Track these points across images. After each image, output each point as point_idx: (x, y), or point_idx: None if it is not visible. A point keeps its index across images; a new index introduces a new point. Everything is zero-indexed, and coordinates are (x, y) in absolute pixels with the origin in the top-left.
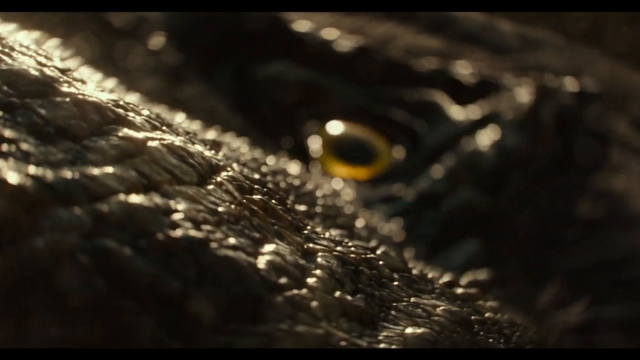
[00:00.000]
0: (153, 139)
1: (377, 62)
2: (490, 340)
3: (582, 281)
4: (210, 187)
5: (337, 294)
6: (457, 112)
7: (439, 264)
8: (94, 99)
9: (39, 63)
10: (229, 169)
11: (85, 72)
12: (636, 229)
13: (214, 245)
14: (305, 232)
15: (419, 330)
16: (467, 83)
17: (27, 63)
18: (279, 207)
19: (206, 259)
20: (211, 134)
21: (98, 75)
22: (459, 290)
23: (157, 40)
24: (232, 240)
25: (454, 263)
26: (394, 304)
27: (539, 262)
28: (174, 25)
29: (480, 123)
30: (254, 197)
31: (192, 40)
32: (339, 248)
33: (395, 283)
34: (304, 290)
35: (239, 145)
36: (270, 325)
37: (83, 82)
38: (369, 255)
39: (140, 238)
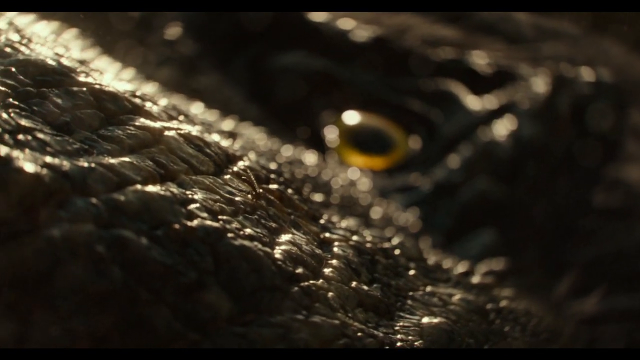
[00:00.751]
0: (170, 128)
1: (393, 52)
2: (506, 329)
3: (598, 271)
4: (227, 176)
5: (354, 284)
6: (474, 102)
7: (455, 253)
8: (110, 89)
9: (56, 53)
10: (245, 158)
11: (102, 62)
12: None
13: (230, 235)
14: (322, 221)
15: (435, 320)
16: (483, 73)
17: (44, 53)
18: (295, 196)
19: (222, 249)
20: (227, 124)
21: (115, 66)
22: (475, 280)
23: (173, 31)
24: (248, 230)
25: (470, 252)
26: (410, 293)
27: (555, 251)
28: (190, 16)
29: (497, 113)
30: (271, 186)
31: (209, 31)
32: (355, 237)
33: (412, 272)
34: (320, 281)
35: (255, 135)
36: (287, 315)
37: (100, 72)
38: (385, 245)
39: (156, 228)
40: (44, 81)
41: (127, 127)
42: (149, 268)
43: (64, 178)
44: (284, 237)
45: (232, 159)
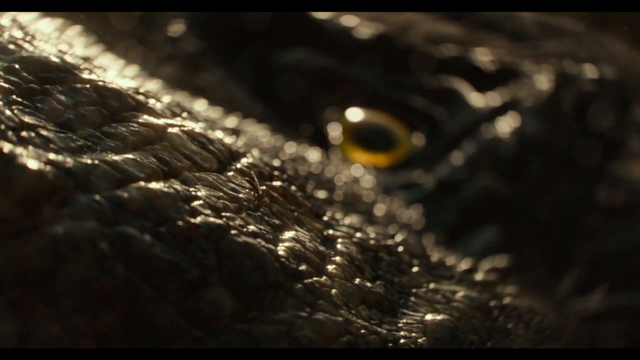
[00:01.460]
0: (173, 125)
1: (396, 49)
2: (509, 326)
3: (601, 268)
4: (230, 173)
5: (357, 280)
6: (477, 99)
7: (458, 250)
8: (114, 86)
9: (60, 50)
10: (248, 155)
11: (106, 59)
12: None
13: (233, 232)
14: (325, 218)
15: (439, 317)
16: (486, 70)
17: (47, 50)
18: (299, 193)
19: (226, 246)
20: (231, 121)
21: (119, 63)
22: (479, 277)
23: (176, 28)
24: (251, 227)
25: (474, 249)
26: (414, 290)
27: (559, 248)
28: (194, 13)
29: (500, 110)
30: (274, 183)
31: (212, 27)
32: (358, 234)
33: (415, 269)
34: (324, 278)
35: (258, 132)
36: (290, 312)
37: (104, 69)
38: (388, 242)
39: (160, 225)
40: (48, 78)
41: (131, 124)
42: (152, 265)
43: (67, 175)
44: (288, 234)
45: (236, 155)
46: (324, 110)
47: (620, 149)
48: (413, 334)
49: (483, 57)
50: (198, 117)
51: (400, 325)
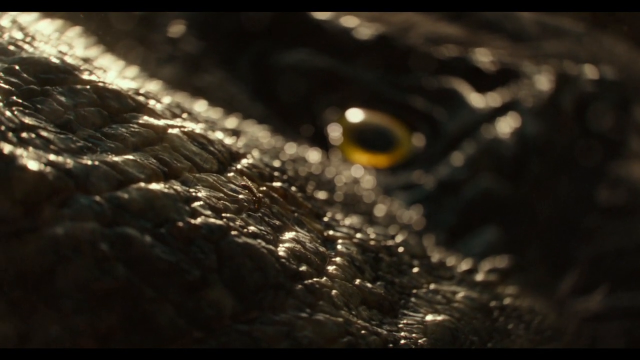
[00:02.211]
0: (173, 126)
1: (396, 49)
2: (510, 326)
3: (602, 268)
4: (231, 174)
5: (357, 281)
6: (477, 100)
7: (458, 250)
8: (114, 87)
9: (60, 51)
10: (249, 156)
11: (106, 60)
12: None
13: (234, 233)
14: (326, 219)
15: (439, 318)
16: (487, 71)
17: (47, 51)
18: (299, 194)
19: (226, 247)
20: (231, 122)
21: (119, 64)
22: (479, 277)
23: (177, 29)
24: (252, 228)
25: (474, 250)
26: (414, 290)
27: (559, 248)
28: (194, 14)
29: (500, 110)
30: (274, 184)
31: (212, 28)
32: (358, 235)
33: (415, 270)
34: (324, 279)
35: (258, 133)
36: (290, 313)
37: (104, 70)
38: (388, 242)
39: (160, 226)
40: (48, 79)
41: (131, 125)
42: (152, 265)
43: (67, 176)
44: (288, 235)
45: (236, 156)
46: (324, 110)
47: (620, 149)
48: (413, 335)
49: (483, 57)
50: (198, 118)
51: (400, 325)
